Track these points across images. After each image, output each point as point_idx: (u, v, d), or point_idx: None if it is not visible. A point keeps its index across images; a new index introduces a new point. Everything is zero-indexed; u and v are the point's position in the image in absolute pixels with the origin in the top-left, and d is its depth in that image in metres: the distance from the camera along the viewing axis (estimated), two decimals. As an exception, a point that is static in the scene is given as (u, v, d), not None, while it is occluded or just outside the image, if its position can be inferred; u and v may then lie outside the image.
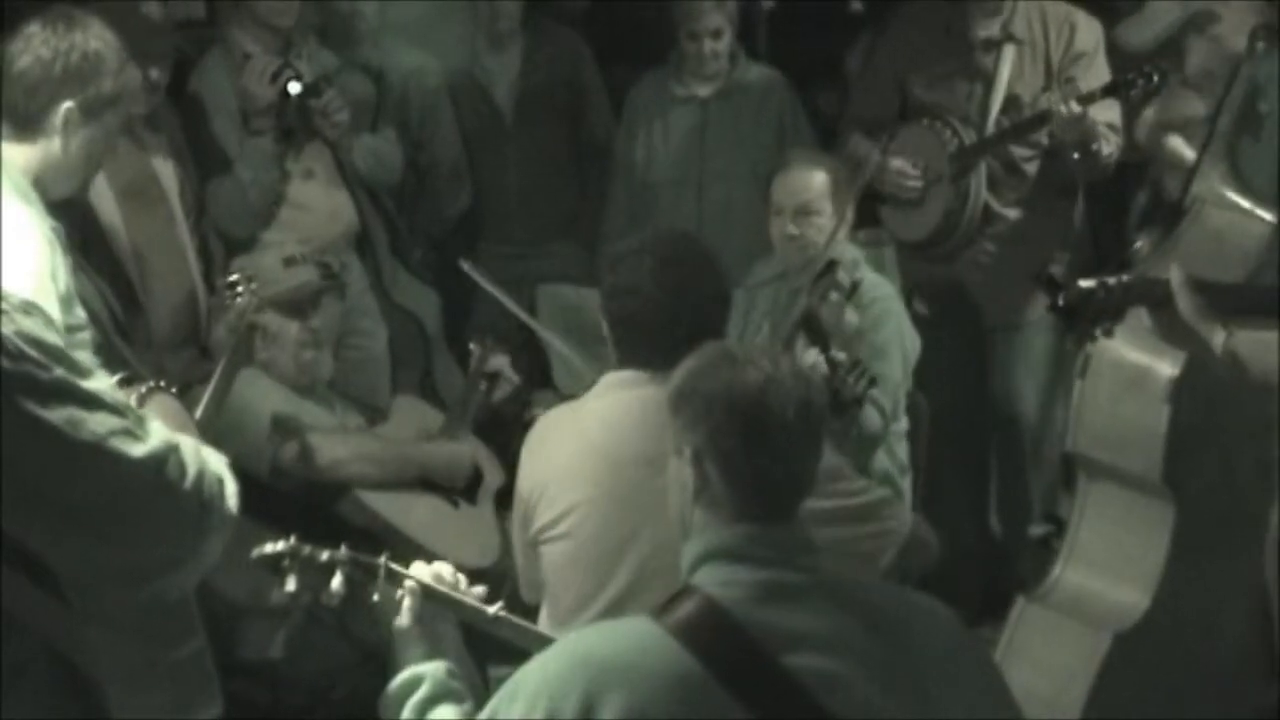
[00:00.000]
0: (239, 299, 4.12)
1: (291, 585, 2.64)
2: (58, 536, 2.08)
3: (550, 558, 3.25)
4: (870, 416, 4.42)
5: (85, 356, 3.02)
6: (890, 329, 4.57)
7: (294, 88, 4.79)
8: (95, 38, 3.21)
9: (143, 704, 2.34)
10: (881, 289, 4.65)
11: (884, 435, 4.55)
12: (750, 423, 2.29)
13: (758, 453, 2.29)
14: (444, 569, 2.71)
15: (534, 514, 3.26)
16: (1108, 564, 3.89)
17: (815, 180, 4.63)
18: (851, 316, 4.34)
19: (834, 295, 4.36)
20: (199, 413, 3.54)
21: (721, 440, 2.29)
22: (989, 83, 5.09)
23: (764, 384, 2.30)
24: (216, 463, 2.27)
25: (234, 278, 4.20)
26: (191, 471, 2.16)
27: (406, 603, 2.62)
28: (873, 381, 4.15)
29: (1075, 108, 4.80)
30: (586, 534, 3.19)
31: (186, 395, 3.41)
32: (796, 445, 2.32)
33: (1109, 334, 3.21)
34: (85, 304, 3.24)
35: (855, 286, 4.45)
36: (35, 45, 3.18)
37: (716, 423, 2.30)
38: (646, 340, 3.23)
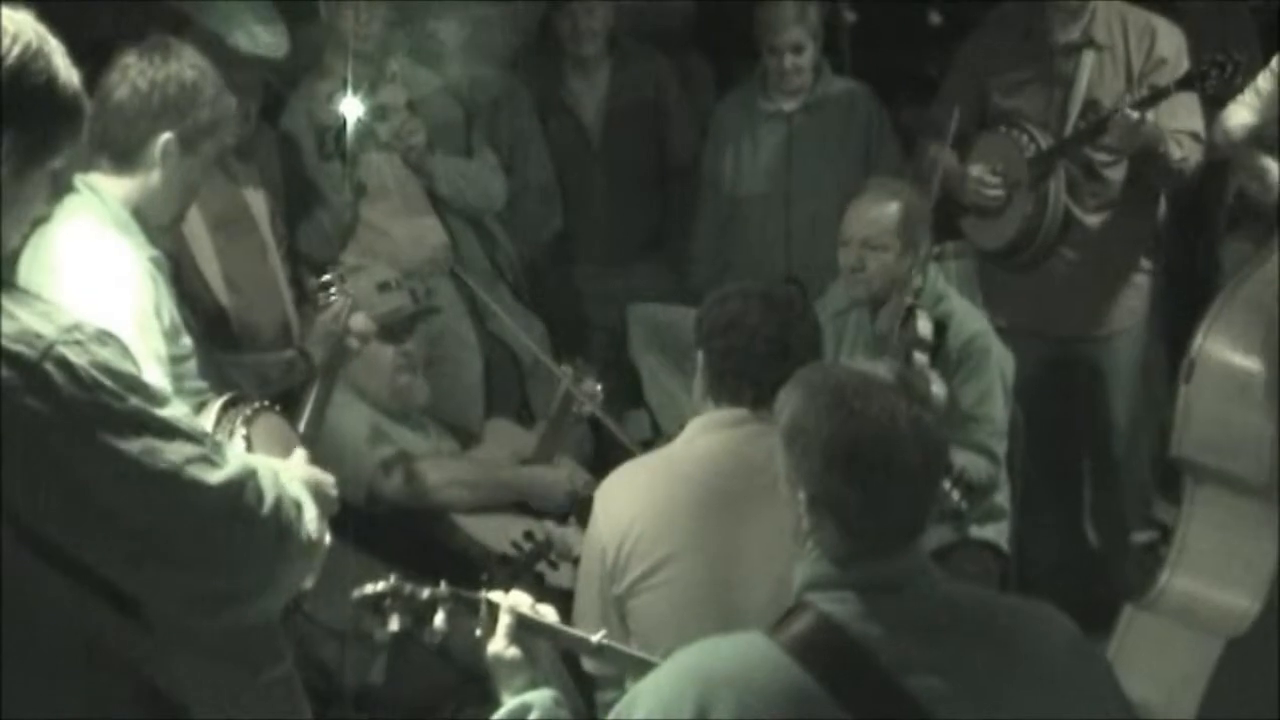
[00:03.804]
0: (333, 300, 4.08)
1: (394, 625, 2.64)
2: (137, 564, 2.09)
3: (649, 609, 3.13)
4: (978, 467, 4.34)
5: (193, 385, 3.04)
6: (990, 369, 4.47)
7: (351, 113, 4.81)
8: (191, 67, 3.23)
9: (229, 728, 2.35)
10: (971, 322, 4.55)
11: (996, 481, 4.47)
12: (871, 480, 2.24)
13: (878, 507, 2.25)
14: (543, 607, 2.70)
15: (626, 565, 3.14)
16: (1217, 569, 3.83)
17: (886, 213, 4.51)
18: (939, 389, 4.25)
19: (918, 356, 4.28)
20: (302, 425, 3.54)
21: (840, 495, 2.25)
22: (1068, 88, 5.03)
23: (884, 436, 2.24)
24: (297, 488, 2.27)
25: (327, 277, 4.14)
26: (269, 497, 2.17)
27: (503, 628, 2.61)
28: (969, 489, 4.05)
29: (1132, 115, 4.72)
30: (692, 580, 3.10)
31: (292, 410, 3.42)
32: (918, 492, 2.29)
33: None
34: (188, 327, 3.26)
35: (942, 329, 4.38)
36: (132, 76, 3.20)
37: (835, 480, 2.25)
38: (750, 376, 3.20)
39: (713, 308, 3.34)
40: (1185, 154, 4.91)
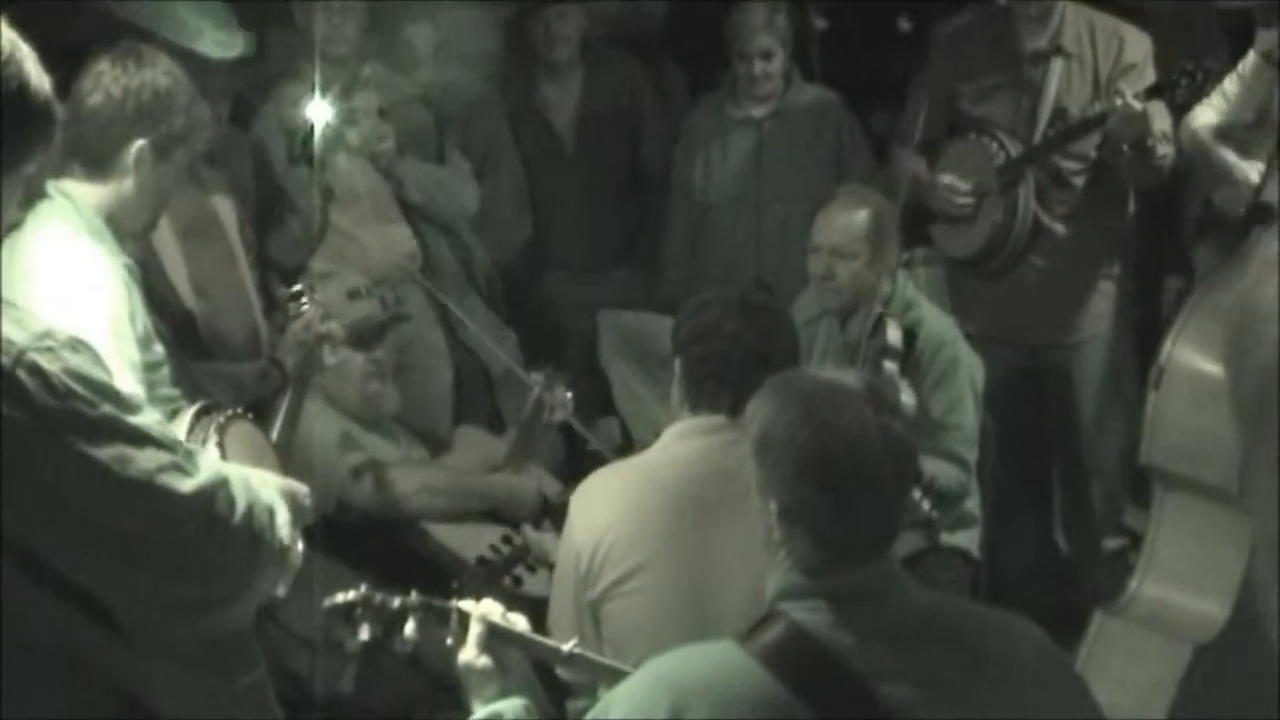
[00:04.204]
0: (304, 310, 4.09)
1: (365, 634, 2.64)
2: (110, 573, 2.08)
3: (622, 614, 3.13)
4: (949, 474, 4.35)
5: (166, 392, 3.03)
6: (960, 376, 4.48)
7: (319, 117, 4.81)
8: (165, 74, 3.23)
9: (203, 735, 2.34)
10: (940, 329, 4.56)
11: (967, 488, 4.48)
12: (842, 489, 2.25)
13: (849, 516, 2.26)
14: (514, 615, 2.70)
15: (600, 570, 3.14)
16: (1186, 576, 3.84)
17: (855, 221, 4.50)
18: (908, 397, 4.24)
19: (887, 365, 4.29)
20: (274, 433, 3.54)
21: (811, 504, 2.26)
22: (1037, 95, 5.05)
23: (854, 445, 2.25)
24: (269, 494, 2.26)
25: (298, 287, 4.17)
26: (241, 505, 2.17)
27: (474, 637, 2.61)
28: (939, 497, 4.05)
29: (1135, 104, 4.73)
30: (665, 586, 3.10)
31: (264, 418, 3.41)
32: (889, 500, 2.30)
33: None
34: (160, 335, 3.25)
35: (911, 337, 4.39)
36: (106, 83, 3.20)
37: (806, 490, 2.25)
38: (729, 383, 3.20)
39: (691, 314, 3.34)
40: (1164, 151, 4.93)
